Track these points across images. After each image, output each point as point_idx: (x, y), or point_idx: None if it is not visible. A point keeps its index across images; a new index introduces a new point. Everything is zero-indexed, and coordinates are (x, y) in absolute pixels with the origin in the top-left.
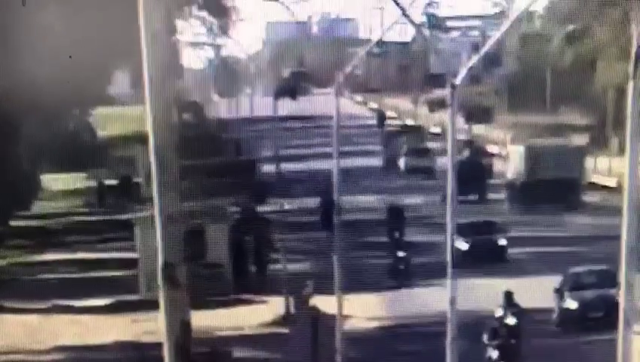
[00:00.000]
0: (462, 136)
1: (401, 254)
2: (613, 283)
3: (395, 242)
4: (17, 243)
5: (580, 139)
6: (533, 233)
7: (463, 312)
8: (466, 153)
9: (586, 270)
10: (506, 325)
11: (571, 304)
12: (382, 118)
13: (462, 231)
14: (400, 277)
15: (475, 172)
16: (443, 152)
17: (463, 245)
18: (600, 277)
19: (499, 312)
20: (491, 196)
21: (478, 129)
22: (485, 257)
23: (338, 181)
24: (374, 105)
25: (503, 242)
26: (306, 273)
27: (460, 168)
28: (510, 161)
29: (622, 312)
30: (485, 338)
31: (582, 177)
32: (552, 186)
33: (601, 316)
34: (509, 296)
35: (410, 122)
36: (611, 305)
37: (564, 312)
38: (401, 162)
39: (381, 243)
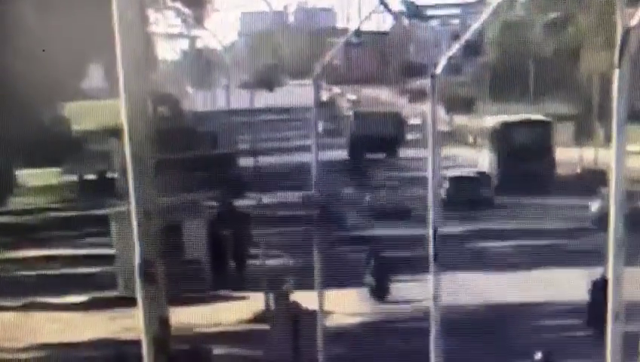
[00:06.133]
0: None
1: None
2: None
3: None
4: None
5: (396, 109)
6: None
7: None
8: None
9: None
10: None
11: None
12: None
13: None
14: None
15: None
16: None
17: None
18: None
19: None
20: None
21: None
22: None
23: (317, 173)
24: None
25: None
26: (286, 268)
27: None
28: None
29: (611, 306)
30: None
31: (401, 134)
32: (376, 140)
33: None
34: None
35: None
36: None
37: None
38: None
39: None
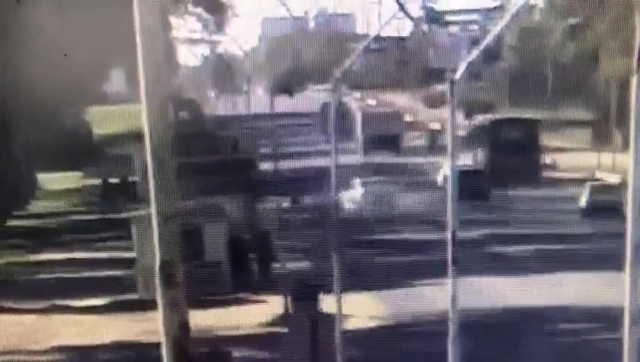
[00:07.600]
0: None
1: None
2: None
3: None
4: (14, 243)
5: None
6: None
7: None
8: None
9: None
10: None
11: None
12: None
13: None
14: None
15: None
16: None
17: None
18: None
19: None
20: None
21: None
22: None
23: (336, 177)
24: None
25: None
26: (306, 272)
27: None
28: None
29: (627, 311)
30: None
31: (402, 134)
32: (383, 140)
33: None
34: None
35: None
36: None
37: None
38: None
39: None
